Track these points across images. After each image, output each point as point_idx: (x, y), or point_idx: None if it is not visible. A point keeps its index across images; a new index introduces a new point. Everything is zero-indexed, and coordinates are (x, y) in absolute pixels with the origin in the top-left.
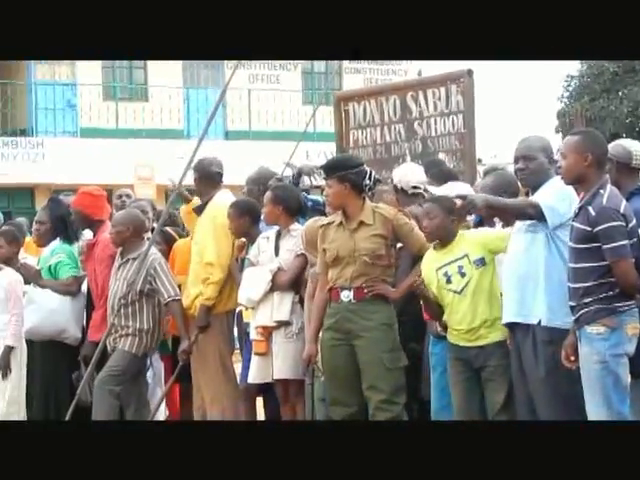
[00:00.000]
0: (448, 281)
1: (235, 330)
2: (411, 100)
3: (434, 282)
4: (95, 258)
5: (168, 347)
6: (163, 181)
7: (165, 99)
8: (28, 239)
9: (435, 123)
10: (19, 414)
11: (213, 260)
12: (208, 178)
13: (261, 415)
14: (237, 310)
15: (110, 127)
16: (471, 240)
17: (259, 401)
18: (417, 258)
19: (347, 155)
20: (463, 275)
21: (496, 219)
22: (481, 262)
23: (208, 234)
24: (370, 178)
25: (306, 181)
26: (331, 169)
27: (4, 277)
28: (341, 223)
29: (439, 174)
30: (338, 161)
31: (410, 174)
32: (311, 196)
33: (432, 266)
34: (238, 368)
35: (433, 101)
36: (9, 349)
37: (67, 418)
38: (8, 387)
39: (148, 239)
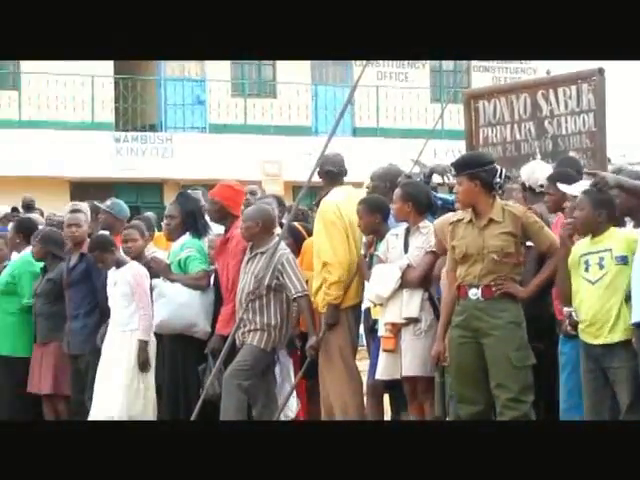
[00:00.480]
0: (586, 269)
1: (361, 327)
2: (542, 98)
3: (575, 267)
4: (228, 253)
5: (295, 343)
6: (290, 177)
7: (293, 96)
8: (158, 234)
9: (566, 122)
10: (147, 408)
11: (329, 259)
12: (324, 175)
13: (387, 412)
14: (365, 307)
15: (238, 123)
16: (619, 237)
17: (386, 397)
18: (545, 257)
19: (478, 152)
20: (601, 267)
21: (627, 219)
22: (623, 260)
23: (320, 232)
24: (500, 176)
25: (435, 179)
26: (462, 166)
27: (129, 271)
28: (471, 220)
29: (558, 175)
30: (469, 158)
31: (538, 172)
32: (440, 194)
33: (578, 251)
34: (363, 365)
35: (564, 99)
36: (144, 344)
37: (195, 411)
38: (141, 383)
39: (277, 235)
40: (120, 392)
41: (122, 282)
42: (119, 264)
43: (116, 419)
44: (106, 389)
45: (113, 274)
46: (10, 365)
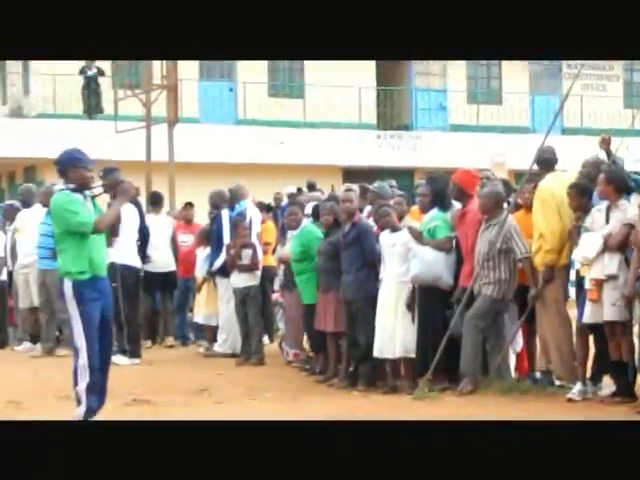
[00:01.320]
0: None
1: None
2: None
3: None
4: (466, 223)
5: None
6: (513, 166)
7: (515, 102)
8: (412, 208)
9: None
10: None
11: (544, 231)
12: (541, 163)
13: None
14: (576, 268)
15: (472, 124)
16: None
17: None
18: None
19: None
20: None
21: None
22: None
23: (537, 209)
24: None
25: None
26: None
27: (405, 236)
28: None
29: None
30: None
31: None
32: (637, 176)
33: None
34: (571, 312)
35: None
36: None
37: (442, 345)
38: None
39: (506, 209)
40: (401, 331)
41: (399, 244)
42: (394, 229)
43: (397, 353)
44: (389, 328)
45: (390, 237)
46: (311, 310)
